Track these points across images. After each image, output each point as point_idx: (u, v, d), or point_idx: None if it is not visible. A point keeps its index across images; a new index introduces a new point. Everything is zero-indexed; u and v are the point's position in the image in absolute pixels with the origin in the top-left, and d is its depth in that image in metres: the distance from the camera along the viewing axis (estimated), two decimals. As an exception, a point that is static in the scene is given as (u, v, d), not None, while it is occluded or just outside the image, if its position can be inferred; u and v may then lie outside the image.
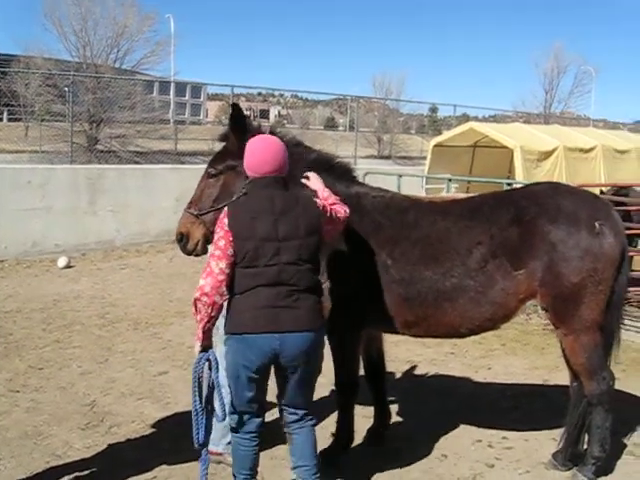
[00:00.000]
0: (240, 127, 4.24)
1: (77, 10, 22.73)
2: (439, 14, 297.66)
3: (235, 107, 4.35)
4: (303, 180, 4.06)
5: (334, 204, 3.86)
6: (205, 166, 4.50)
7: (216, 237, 3.61)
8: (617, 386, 4.51)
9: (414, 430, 5.26)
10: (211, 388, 3.62)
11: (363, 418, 5.05)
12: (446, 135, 17.01)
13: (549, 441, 5.01)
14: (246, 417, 3.72)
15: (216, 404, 3.66)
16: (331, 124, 61.33)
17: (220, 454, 4.58)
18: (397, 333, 4.53)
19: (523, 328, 8.06)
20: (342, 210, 3.88)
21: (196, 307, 3.52)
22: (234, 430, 3.78)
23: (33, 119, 22.41)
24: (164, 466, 4.59)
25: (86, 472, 4.53)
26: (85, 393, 5.86)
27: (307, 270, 3.63)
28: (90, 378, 6.21)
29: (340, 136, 31.29)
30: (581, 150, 15.37)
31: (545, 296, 4.18)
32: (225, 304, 3.63)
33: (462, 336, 4.53)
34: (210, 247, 4.16)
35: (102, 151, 19.05)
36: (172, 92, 38.44)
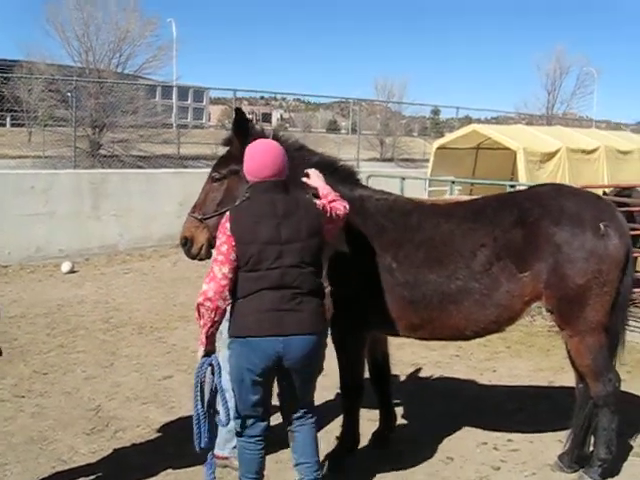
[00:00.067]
0: (243, 131, 4.25)
1: (79, 15, 22.73)
2: (441, 18, 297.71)
3: (238, 111, 4.37)
4: (304, 179, 4.09)
5: (333, 201, 3.89)
6: (208, 170, 4.51)
7: (218, 242, 3.61)
8: (622, 387, 4.49)
9: (419, 433, 5.25)
10: (214, 392, 3.63)
11: (368, 421, 5.04)
12: (449, 137, 16.98)
13: (555, 443, 4.99)
14: (251, 421, 3.73)
15: (219, 408, 3.66)
16: (333, 127, 61.31)
17: (226, 458, 4.58)
18: (402, 336, 4.53)
19: (528, 330, 8.05)
20: (341, 207, 3.90)
21: (199, 312, 3.53)
22: (239, 434, 3.78)
23: (36, 124, 22.41)
24: (170, 470, 4.60)
25: (92, 477, 4.54)
26: (90, 398, 5.87)
27: (310, 273, 3.64)
28: (95, 383, 6.22)
29: (342, 139, 31.26)
30: (584, 151, 15.34)
31: (550, 298, 4.17)
32: (228, 308, 3.64)
33: (467, 338, 4.53)
34: (213, 251, 4.17)
35: (105, 156, 19.07)
36: (174, 96, 38.54)
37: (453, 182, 12.68)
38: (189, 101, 66.08)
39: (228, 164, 4.35)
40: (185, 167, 18.54)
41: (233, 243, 3.54)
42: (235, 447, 4.26)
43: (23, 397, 5.83)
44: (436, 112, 41.07)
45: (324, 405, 5.50)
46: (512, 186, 9.95)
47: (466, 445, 5.07)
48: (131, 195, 12.86)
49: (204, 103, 71.77)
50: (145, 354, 7.07)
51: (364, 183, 4.96)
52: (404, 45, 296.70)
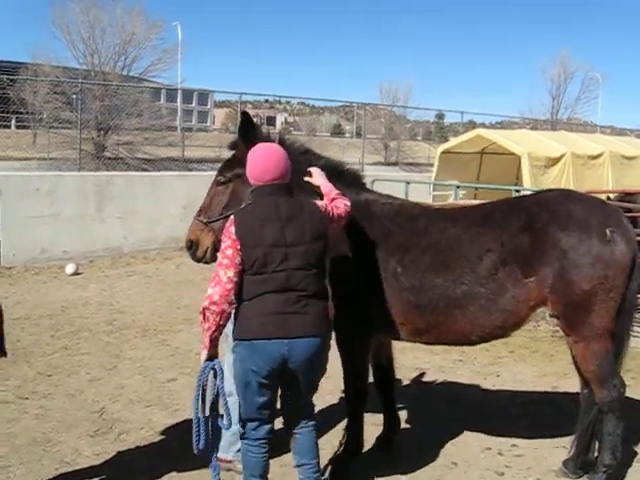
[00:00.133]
0: (249, 135, 4.24)
1: (85, 18, 22.88)
2: (446, 23, 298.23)
3: (244, 115, 4.37)
4: (306, 178, 4.12)
5: (335, 199, 3.93)
6: (212, 173, 4.52)
7: (223, 245, 3.61)
8: (627, 393, 4.48)
9: (423, 437, 5.24)
10: (216, 396, 3.63)
11: (372, 426, 5.03)
12: (453, 142, 17.03)
13: (559, 449, 4.98)
14: (256, 424, 3.73)
15: (222, 412, 3.67)
16: (338, 131, 61.39)
17: (230, 461, 4.58)
18: (407, 340, 4.53)
19: (531, 335, 8.03)
20: (342, 204, 3.93)
21: (204, 316, 3.53)
22: (244, 437, 3.78)
23: (41, 126, 22.51)
24: (174, 473, 4.59)
25: (95, 479, 4.53)
26: (94, 400, 5.86)
27: (314, 275, 3.65)
28: (99, 385, 6.22)
29: (347, 143, 31.34)
30: (589, 157, 15.36)
31: (556, 303, 4.16)
32: (233, 312, 3.65)
33: (472, 343, 4.52)
34: (218, 255, 4.18)
35: (110, 158, 19.13)
36: (179, 99, 38.67)
37: (458, 187, 12.67)
38: (194, 104, 66.28)
39: (233, 168, 4.35)
40: (189, 170, 18.57)
41: (238, 247, 3.54)
42: (239, 450, 4.26)
43: (27, 399, 5.83)
44: (440, 116, 41.16)
45: (328, 409, 5.51)
46: (517, 191, 9.96)
47: (470, 450, 5.06)
48: (136, 198, 12.87)
49: (209, 106, 71.99)
50: (149, 357, 7.07)
51: (369, 187, 4.96)
52: (409, 49, 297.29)
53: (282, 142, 4.24)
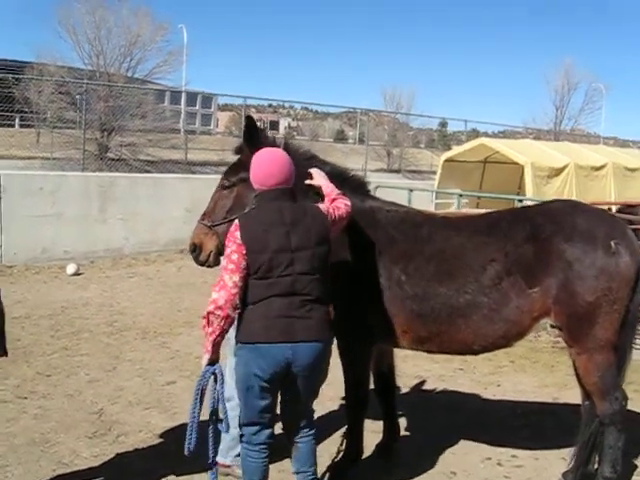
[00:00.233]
0: (254, 139, 4.23)
1: (91, 19, 22.87)
2: (450, 29, 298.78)
3: (249, 120, 4.36)
4: (307, 181, 4.12)
5: (336, 199, 3.95)
6: (216, 176, 4.52)
7: (228, 250, 3.60)
8: (629, 406, 4.46)
9: (423, 445, 5.22)
10: (216, 400, 3.62)
11: (372, 433, 5.02)
12: (456, 150, 17.04)
13: (559, 460, 4.96)
14: (256, 428, 3.72)
15: (221, 416, 3.66)
16: (341, 137, 61.35)
17: (228, 466, 4.56)
18: (409, 348, 4.52)
19: (532, 345, 8.01)
20: (343, 204, 3.94)
21: (208, 320, 3.52)
22: (244, 441, 3.77)
23: (45, 126, 22.51)
24: (172, 477, 4.58)
25: (93, 481, 4.53)
26: (93, 401, 5.85)
27: (318, 279, 3.65)
28: (98, 386, 6.21)
29: (350, 149, 31.31)
30: (592, 168, 15.37)
31: (559, 314, 4.15)
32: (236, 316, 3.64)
33: (475, 353, 4.50)
34: (222, 260, 4.17)
35: (113, 159, 19.13)
36: (183, 102, 38.66)
37: (460, 195, 12.66)
38: (197, 107, 66.30)
39: (238, 172, 4.34)
40: (192, 173, 18.58)
41: (244, 251, 3.54)
42: (238, 455, 4.26)
43: (26, 398, 5.82)
44: (444, 124, 41.18)
45: (328, 415, 5.49)
46: (520, 200, 9.95)
47: (470, 460, 5.04)
48: (138, 199, 12.88)
49: (212, 109, 72.01)
50: (149, 359, 7.06)
51: (373, 194, 4.95)
52: (412, 55, 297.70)
53: (287, 147, 4.24)
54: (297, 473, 3.89)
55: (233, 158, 4.57)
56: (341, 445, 4.68)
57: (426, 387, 6.60)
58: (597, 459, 4.48)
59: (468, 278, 4.17)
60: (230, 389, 4.09)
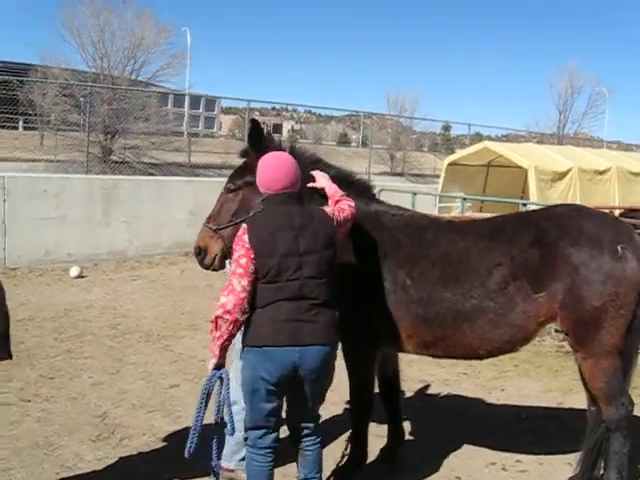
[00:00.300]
0: (259, 143, 4.22)
1: (95, 21, 22.88)
2: (454, 33, 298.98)
3: (254, 123, 4.34)
4: (309, 184, 4.11)
5: (339, 201, 3.95)
6: (219, 179, 4.51)
7: (236, 255, 3.59)
8: (635, 412, 4.44)
9: (427, 450, 5.20)
10: (222, 404, 3.61)
11: (376, 437, 5.00)
12: (460, 154, 17.03)
13: (564, 465, 4.94)
14: (262, 432, 3.71)
15: (226, 420, 3.65)
16: (344, 140, 61.49)
17: (232, 470, 4.54)
18: (415, 353, 4.50)
19: (536, 350, 7.98)
20: (347, 206, 3.93)
21: (217, 324, 3.51)
22: (249, 445, 3.76)
23: (49, 128, 22.53)
24: (175, 480, 4.57)
25: (97, 485, 4.52)
26: (96, 404, 5.84)
27: (326, 283, 3.65)
28: (101, 389, 6.20)
29: (353, 152, 31.36)
30: (595, 172, 15.35)
31: (565, 319, 4.13)
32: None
33: (480, 358, 4.48)
34: (227, 263, 4.17)
35: (116, 162, 19.14)
36: (186, 104, 38.70)
37: (464, 199, 12.65)
38: (201, 110, 66.34)
39: (244, 175, 4.32)
40: (196, 175, 18.58)
41: (252, 255, 3.53)
42: (242, 459, 4.24)
43: (29, 401, 5.81)
44: (447, 128, 41.16)
45: (332, 420, 5.48)
46: (524, 204, 9.94)
47: (474, 464, 5.02)
48: (142, 202, 12.87)
49: (215, 112, 72.06)
50: (152, 362, 7.04)
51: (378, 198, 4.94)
52: (416, 59, 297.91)
53: (293, 151, 4.23)
54: (303, 479, 3.87)
55: (237, 161, 4.56)
56: (346, 449, 4.68)
57: (430, 391, 6.58)
58: (603, 465, 4.47)
59: (474, 282, 4.15)
60: (235, 393, 4.07)
